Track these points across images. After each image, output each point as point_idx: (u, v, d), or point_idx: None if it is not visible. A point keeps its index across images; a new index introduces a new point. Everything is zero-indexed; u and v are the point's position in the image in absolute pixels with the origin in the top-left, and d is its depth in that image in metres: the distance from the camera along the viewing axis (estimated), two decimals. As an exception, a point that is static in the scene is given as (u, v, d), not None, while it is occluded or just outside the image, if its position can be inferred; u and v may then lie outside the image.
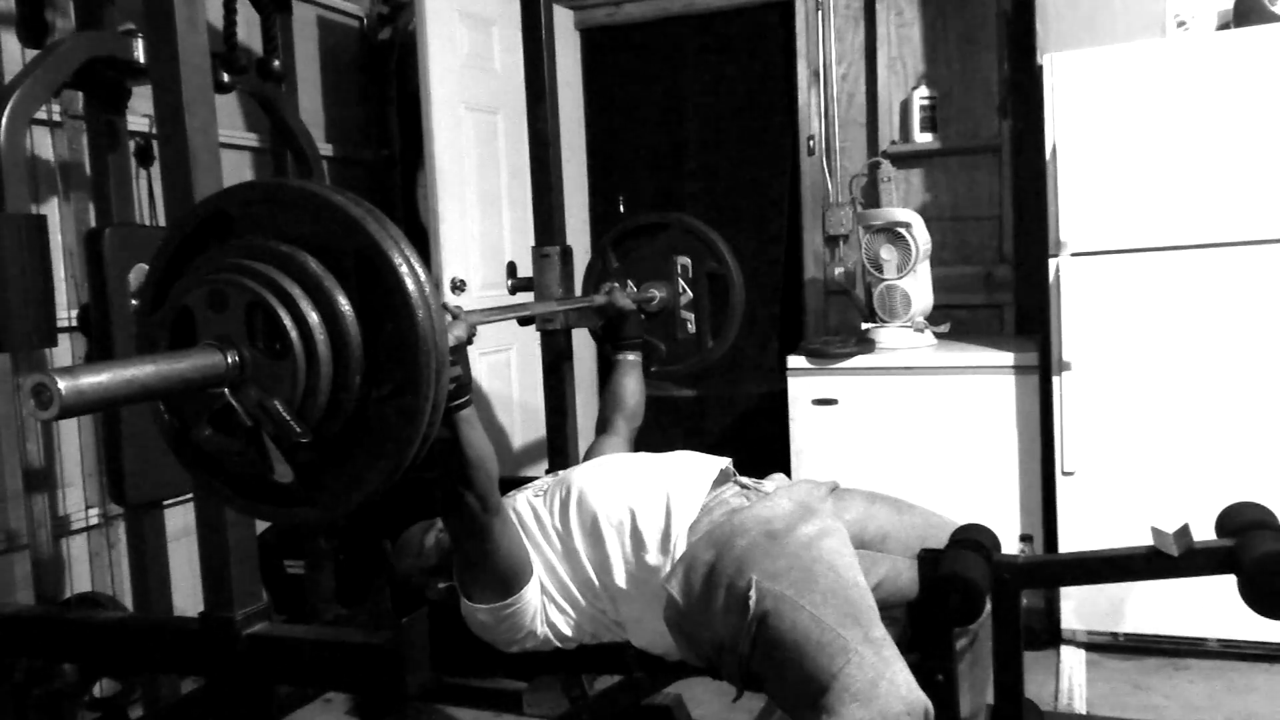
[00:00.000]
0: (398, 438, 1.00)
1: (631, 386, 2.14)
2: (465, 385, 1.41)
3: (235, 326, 0.99)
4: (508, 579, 1.56)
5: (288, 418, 0.97)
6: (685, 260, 2.29)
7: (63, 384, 0.83)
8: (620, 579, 1.57)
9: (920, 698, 1.35)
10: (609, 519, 1.60)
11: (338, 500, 1.04)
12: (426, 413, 0.99)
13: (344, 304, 0.99)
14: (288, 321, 0.97)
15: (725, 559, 1.50)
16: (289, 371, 0.97)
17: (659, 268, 2.31)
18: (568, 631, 1.62)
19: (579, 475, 1.71)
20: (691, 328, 2.31)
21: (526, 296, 2.42)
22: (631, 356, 2.17)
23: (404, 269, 0.97)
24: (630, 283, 2.30)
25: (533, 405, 3.48)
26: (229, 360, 0.99)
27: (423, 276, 0.98)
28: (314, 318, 0.98)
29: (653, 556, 1.56)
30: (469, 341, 1.44)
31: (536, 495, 1.71)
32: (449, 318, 1.38)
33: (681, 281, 2.30)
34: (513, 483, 1.85)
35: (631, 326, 2.18)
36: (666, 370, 2.33)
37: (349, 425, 1.01)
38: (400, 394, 0.99)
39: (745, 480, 1.74)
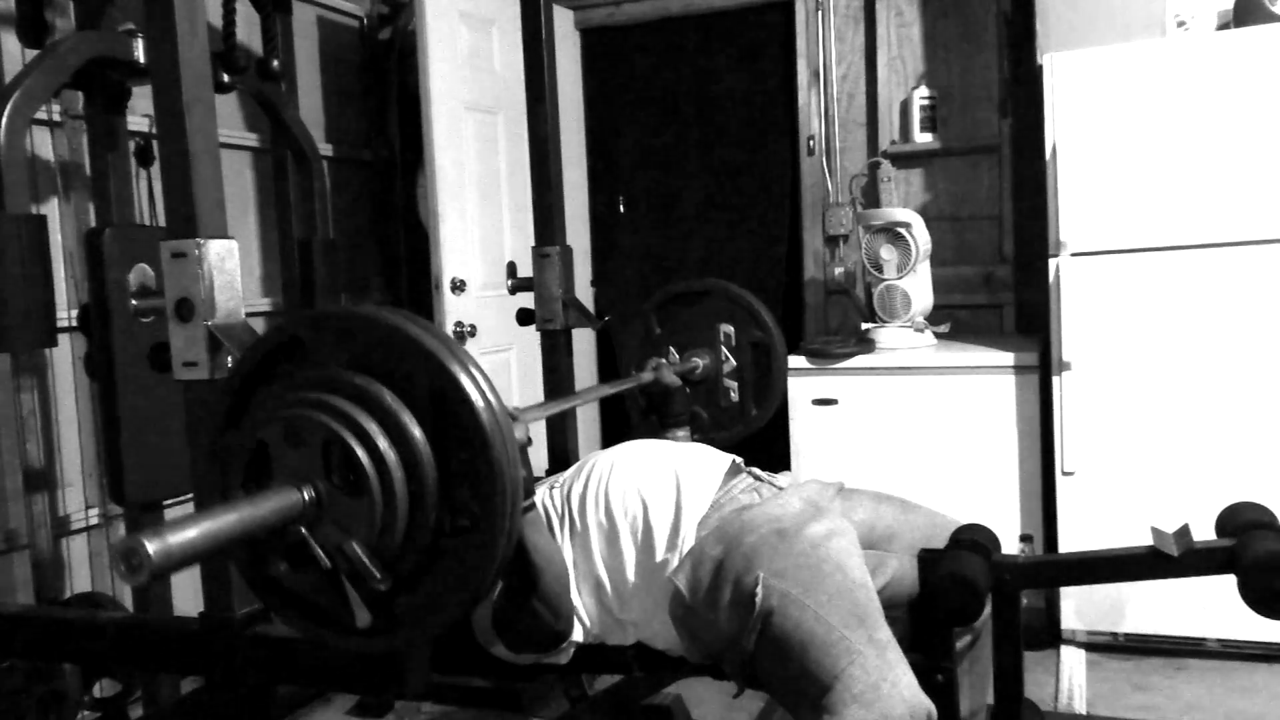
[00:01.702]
0: (472, 569, 0.99)
1: None
2: (529, 489, 1.39)
3: (311, 462, 0.99)
4: (560, 637, 1.58)
5: (367, 562, 0.97)
6: (729, 328, 2.28)
7: (152, 547, 0.83)
8: (630, 574, 1.57)
9: (923, 701, 1.35)
10: (624, 512, 1.60)
11: (415, 631, 1.04)
12: (501, 546, 0.98)
13: (419, 438, 0.98)
14: (365, 461, 0.97)
15: (733, 555, 1.50)
16: (366, 509, 0.97)
17: (701, 335, 2.31)
18: (577, 635, 1.62)
19: (598, 468, 1.70)
20: (734, 396, 2.30)
21: (527, 298, 2.42)
22: (681, 434, 2.17)
23: (480, 404, 0.96)
24: (673, 350, 2.30)
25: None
26: (306, 498, 0.99)
27: (497, 409, 0.97)
28: (392, 456, 0.97)
29: (661, 551, 1.56)
30: (528, 444, 1.42)
31: (553, 488, 1.71)
32: None
33: (724, 349, 2.29)
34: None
35: (679, 404, 2.17)
36: (709, 438, 2.33)
37: (422, 557, 1.01)
38: (475, 528, 0.98)
39: (758, 472, 1.74)
